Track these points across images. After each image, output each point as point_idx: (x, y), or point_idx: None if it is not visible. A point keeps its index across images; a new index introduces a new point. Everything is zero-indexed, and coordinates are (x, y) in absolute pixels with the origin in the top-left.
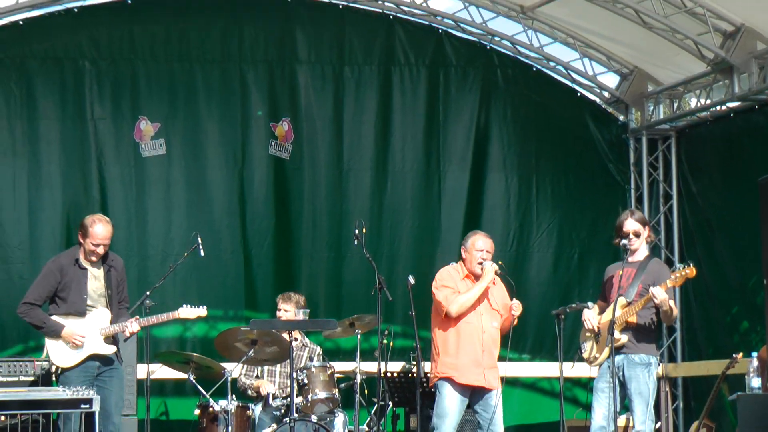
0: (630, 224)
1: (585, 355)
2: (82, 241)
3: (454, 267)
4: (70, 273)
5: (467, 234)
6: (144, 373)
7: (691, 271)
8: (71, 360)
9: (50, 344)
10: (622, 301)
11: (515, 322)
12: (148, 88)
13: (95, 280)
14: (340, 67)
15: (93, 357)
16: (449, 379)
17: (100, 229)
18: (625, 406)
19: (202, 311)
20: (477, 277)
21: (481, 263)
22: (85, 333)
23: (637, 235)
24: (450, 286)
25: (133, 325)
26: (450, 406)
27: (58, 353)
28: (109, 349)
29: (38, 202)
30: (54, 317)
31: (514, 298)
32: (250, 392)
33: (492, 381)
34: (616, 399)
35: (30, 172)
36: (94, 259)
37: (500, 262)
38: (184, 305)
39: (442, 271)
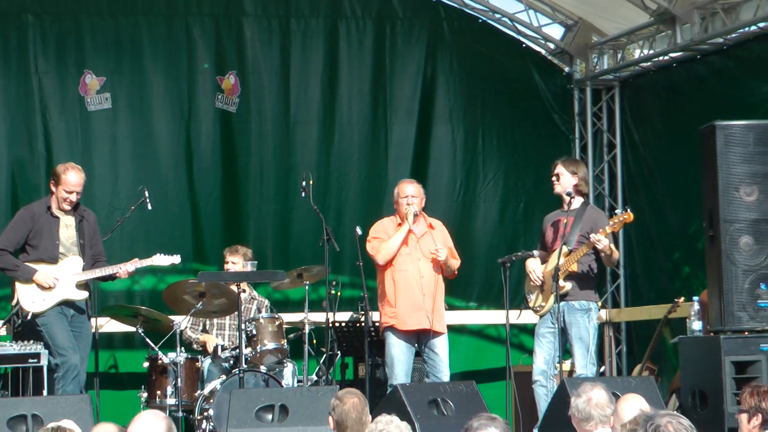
0: (556, 167)
1: (531, 304)
2: (54, 189)
3: (390, 218)
4: (42, 220)
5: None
6: (92, 326)
7: (629, 216)
8: (42, 305)
9: (21, 289)
10: (564, 249)
11: (449, 267)
12: (93, 41)
13: (67, 229)
14: (286, 20)
15: (64, 303)
16: (392, 328)
17: (72, 176)
18: (568, 351)
19: (175, 259)
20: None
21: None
22: (58, 277)
23: (558, 177)
24: (380, 237)
25: (128, 267)
26: (397, 354)
27: (29, 298)
28: (81, 295)
29: None
30: (26, 263)
31: (439, 244)
32: (195, 346)
33: (436, 324)
34: (558, 344)
35: None
36: (66, 207)
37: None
38: (158, 253)
39: (376, 225)
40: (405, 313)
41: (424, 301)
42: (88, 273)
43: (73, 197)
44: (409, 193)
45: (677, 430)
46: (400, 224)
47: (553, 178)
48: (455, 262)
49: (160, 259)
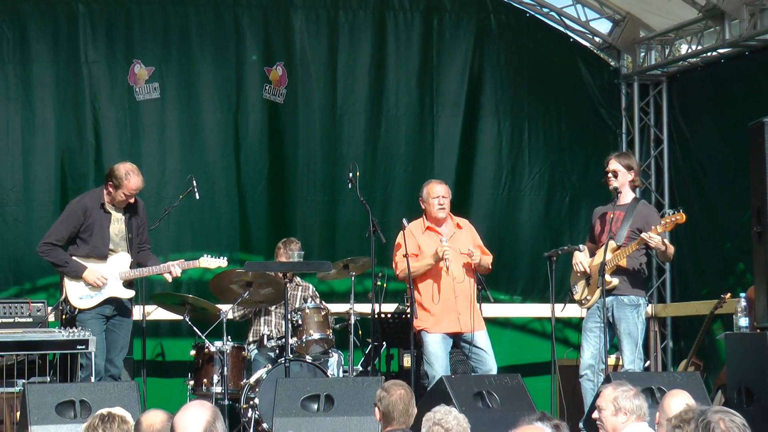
0: (611, 164)
1: (576, 296)
2: (111, 189)
3: (416, 223)
4: (94, 215)
5: (422, 185)
6: (139, 314)
7: (680, 216)
8: (90, 302)
9: (70, 285)
10: (612, 244)
11: (483, 265)
12: (142, 31)
13: (118, 223)
14: (334, 12)
15: (110, 300)
16: (426, 330)
17: (134, 182)
18: (614, 346)
19: (222, 262)
20: (440, 224)
21: (442, 207)
22: (107, 276)
23: (615, 174)
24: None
25: (176, 269)
26: (435, 351)
27: (77, 294)
28: (128, 293)
29: (32, 145)
30: (75, 258)
31: (471, 248)
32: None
33: (469, 323)
34: (606, 339)
35: (23, 115)
36: (122, 206)
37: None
38: (205, 255)
39: (400, 235)
40: (439, 317)
41: (456, 303)
42: (136, 272)
43: (132, 200)
44: (440, 193)
45: (729, 428)
46: (429, 228)
47: (609, 175)
48: (488, 259)
49: (207, 261)
